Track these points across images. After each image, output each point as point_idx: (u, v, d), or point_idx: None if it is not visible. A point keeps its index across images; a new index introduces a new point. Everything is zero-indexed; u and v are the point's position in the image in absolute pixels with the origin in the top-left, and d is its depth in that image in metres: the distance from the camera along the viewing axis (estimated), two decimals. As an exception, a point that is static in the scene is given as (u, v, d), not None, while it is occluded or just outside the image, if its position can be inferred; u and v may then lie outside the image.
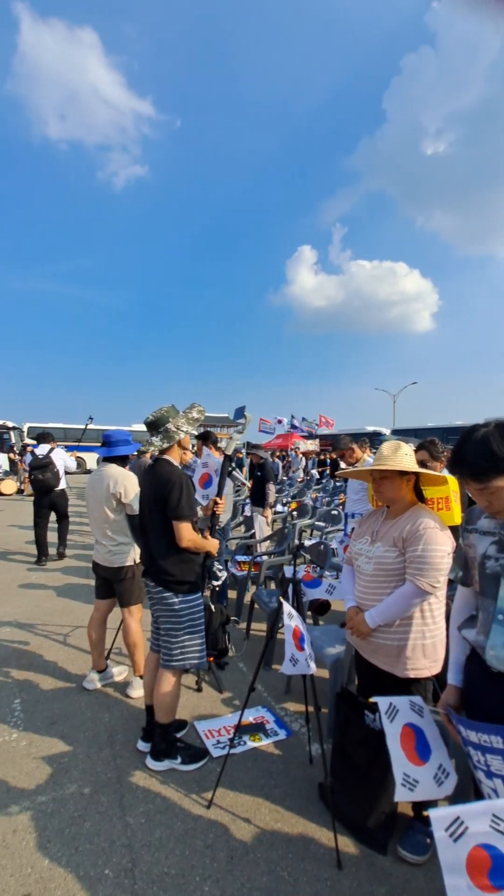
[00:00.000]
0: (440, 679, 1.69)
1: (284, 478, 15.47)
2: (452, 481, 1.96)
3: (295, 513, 7.76)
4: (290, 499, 9.96)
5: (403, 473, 1.85)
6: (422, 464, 3.71)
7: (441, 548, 1.71)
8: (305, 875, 1.72)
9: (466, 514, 1.50)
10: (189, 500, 2.18)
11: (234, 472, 7.85)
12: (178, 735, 2.45)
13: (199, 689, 2.98)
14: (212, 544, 2.34)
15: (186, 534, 2.16)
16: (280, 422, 26.32)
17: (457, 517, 1.99)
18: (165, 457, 2.31)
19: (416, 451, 4.31)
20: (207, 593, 2.71)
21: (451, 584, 2.07)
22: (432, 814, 1.09)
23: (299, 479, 14.26)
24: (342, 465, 4.78)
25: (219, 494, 2.70)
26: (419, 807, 1.86)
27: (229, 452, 3.35)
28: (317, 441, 23.80)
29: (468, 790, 1.57)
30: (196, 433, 2.42)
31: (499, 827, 1.09)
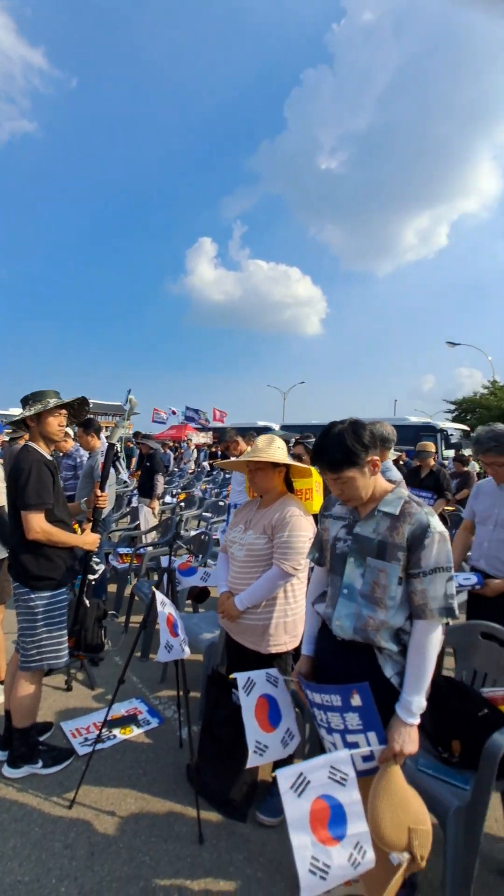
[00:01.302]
0: (299, 652, 1.85)
1: (175, 469, 15.33)
2: (316, 473, 2.15)
3: (183, 504, 7.75)
4: (179, 490, 9.91)
5: (275, 465, 1.97)
6: (298, 458, 3.98)
7: (304, 534, 1.87)
8: (167, 856, 1.76)
9: (325, 501, 1.65)
10: (38, 487, 2.00)
11: (117, 463, 7.54)
12: (42, 738, 2.30)
13: (69, 689, 2.84)
14: (84, 539, 2.23)
15: (34, 524, 1.99)
16: (174, 412, 25.90)
17: (317, 506, 2.18)
18: (30, 443, 2.14)
19: (294, 446, 4.61)
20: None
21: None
22: (279, 773, 1.19)
23: (190, 471, 14.24)
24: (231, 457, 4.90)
25: (101, 486, 2.56)
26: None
27: (114, 440, 3.21)
28: (210, 433, 23.96)
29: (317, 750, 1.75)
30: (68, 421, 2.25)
31: (335, 777, 1.24)
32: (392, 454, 3.12)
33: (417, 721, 1.28)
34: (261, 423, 22.85)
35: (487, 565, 2.38)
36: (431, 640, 1.30)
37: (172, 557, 2.27)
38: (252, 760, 1.56)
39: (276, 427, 21.49)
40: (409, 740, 1.26)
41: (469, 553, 2.58)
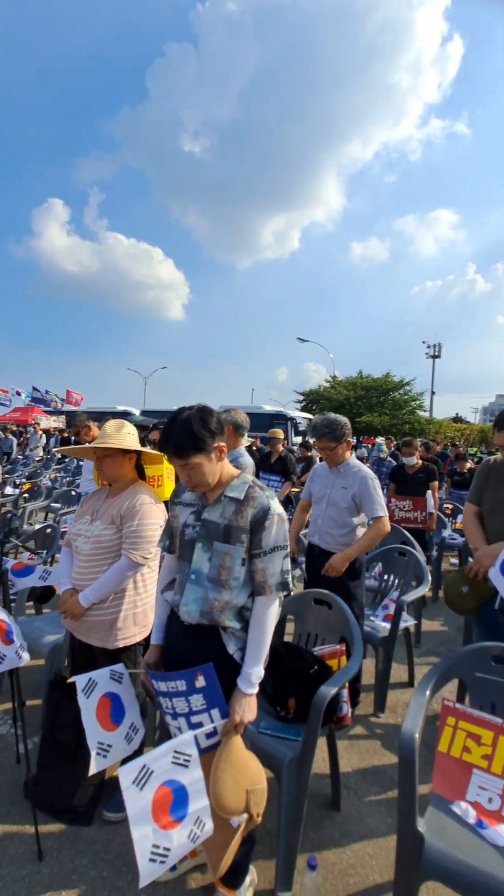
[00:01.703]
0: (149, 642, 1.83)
1: (20, 456, 13.66)
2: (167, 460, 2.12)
3: (27, 495, 6.95)
4: (23, 479, 8.86)
5: (126, 452, 1.89)
6: (155, 444, 3.90)
7: (154, 521, 1.83)
8: (1, 881, 1.59)
9: (175, 488, 1.64)
10: None
11: None
12: None
13: None
14: None
15: None
16: (18, 394, 22.95)
17: (168, 493, 2.17)
18: None
19: (151, 432, 4.49)
20: None
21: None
22: (120, 771, 1.16)
23: (37, 458, 12.84)
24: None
25: None
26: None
27: None
28: (62, 417, 21.91)
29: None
30: None
31: (179, 760, 1.26)
32: (246, 440, 3.27)
33: (256, 690, 1.38)
34: (120, 408, 21.75)
35: (320, 540, 2.67)
36: (270, 613, 1.40)
37: (5, 557, 2.01)
38: (96, 764, 1.49)
39: (137, 412, 20.72)
40: (248, 710, 1.35)
41: (305, 530, 2.86)
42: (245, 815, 1.29)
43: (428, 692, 1.62)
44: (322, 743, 1.88)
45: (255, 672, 1.37)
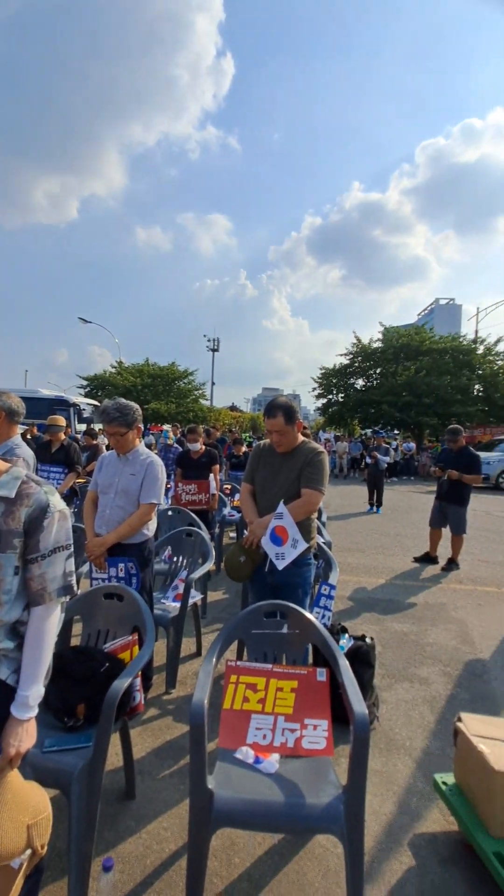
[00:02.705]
0: None
1: None
2: None
3: None
4: None
5: None
6: None
7: None
8: None
9: None
10: None
11: None
12: None
13: None
14: None
15: None
16: None
17: None
18: None
19: None
20: None
21: None
22: None
23: None
24: None
25: None
26: None
27: None
28: None
29: None
30: None
31: None
32: (20, 428, 2.84)
33: (35, 712, 1.23)
34: None
35: (109, 532, 2.57)
36: (49, 624, 1.26)
37: None
38: None
39: None
40: (26, 737, 1.19)
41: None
42: (28, 852, 1.15)
43: (214, 658, 1.77)
44: (115, 737, 1.84)
45: (32, 693, 1.22)
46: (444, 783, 1.88)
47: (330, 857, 1.71)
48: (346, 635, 2.71)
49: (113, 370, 28.59)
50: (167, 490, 5.92)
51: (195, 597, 3.22)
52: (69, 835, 1.53)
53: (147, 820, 1.86)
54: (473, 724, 1.87)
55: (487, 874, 1.59)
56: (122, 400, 2.63)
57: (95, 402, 19.05)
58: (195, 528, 3.62)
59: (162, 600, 3.16)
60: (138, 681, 1.92)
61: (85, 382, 27.86)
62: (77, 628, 2.62)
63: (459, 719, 1.92)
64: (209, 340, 40.91)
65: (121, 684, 1.67)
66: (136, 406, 2.64)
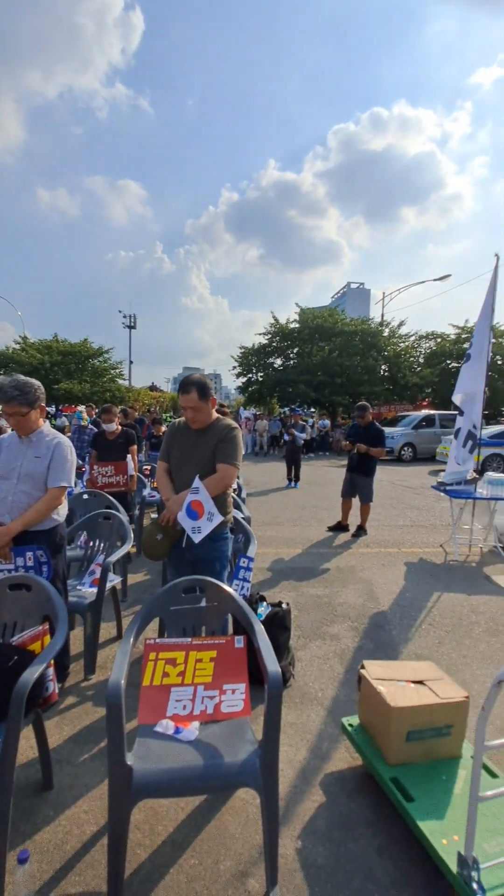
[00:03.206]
0: None
1: None
2: None
3: None
4: None
5: None
6: None
7: None
8: None
9: None
10: None
11: None
12: None
13: None
14: None
15: None
16: None
17: None
18: None
19: None
20: None
21: None
22: None
23: None
24: None
25: None
26: None
27: None
28: None
29: None
30: None
31: None
32: None
33: None
34: None
35: (13, 520, 2.39)
36: None
37: None
38: None
39: None
40: None
41: None
42: None
43: (132, 639, 1.76)
44: (28, 730, 1.76)
45: None
46: (350, 725, 2.08)
47: (249, 808, 1.83)
48: (265, 603, 2.83)
49: (17, 346, 26.10)
50: (81, 473, 5.64)
51: (113, 580, 3.14)
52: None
53: (65, 806, 1.83)
54: (374, 670, 2.08)
55: (387, 798, 1.81)
56: (21, 377, 2.42)
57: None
58: (112, 511, 3.50)
59: (78, 587, 3.04)
60: (51, 671, 1.85)
61: (-18, 360, 25.12)
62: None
63: (363, 667, 2.12)
64: (125, 317, 38.94)
65: (29, 676, 1.60)
66: (37, 383, 2.45)
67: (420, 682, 1.99)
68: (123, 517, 3.49)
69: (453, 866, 1.42)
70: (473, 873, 1.37)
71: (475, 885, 1.36)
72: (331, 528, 6.30)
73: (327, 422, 20.36)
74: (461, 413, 5.31)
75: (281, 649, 2.69)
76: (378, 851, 1.66)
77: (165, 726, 1.68)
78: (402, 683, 1.97)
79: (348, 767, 2.07)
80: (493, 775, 1.78)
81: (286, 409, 22.62)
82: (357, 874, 1.58)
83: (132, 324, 38.67)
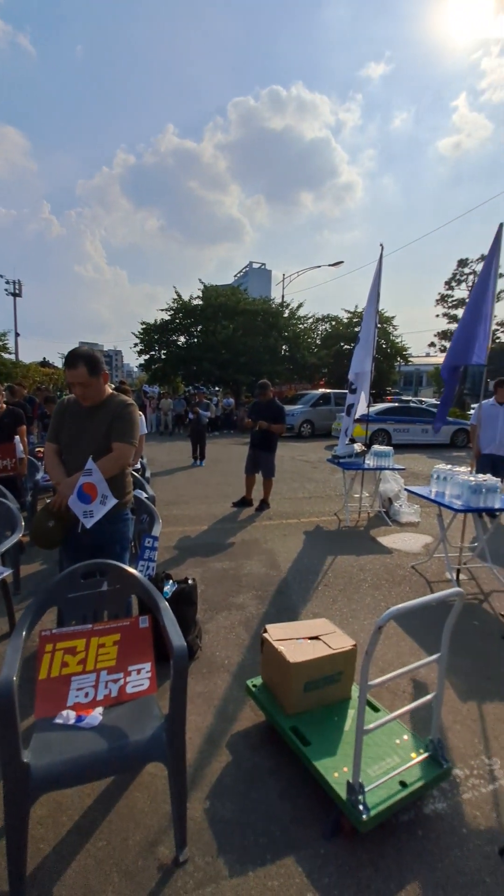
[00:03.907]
0: None
1: None
2: None
3: None
4: None
5: None
6: None
7: None
8: None
9: None
10: None
11: None
12: None
13: None
14: None
15: None
16: None
17: None
18: None
19: None
20: None
21: None
22: None
23: None
24: None
25: None
26: None
27: None
28: None
29: None
30: None
31: None
32: None
33: None
34: None
35: None
36: None
37: None
38: None
39: None
40: None
41: None
42: None
43: (24, 633, 1.63)
44: None
45: None
46: (254, 685, 2.20)
47: (158, 781, 1.85)
48: (171, 581, 2.82)
49: None
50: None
51: (3, 572, 2.88)
52: None
53: (-46, 819, 1.68)
54: (275, 632, 2.21)
55: (287, 747, 1.96)
56: None
57: None
58: (-2, 498, 3.18)
59: (-42, 584, 2.73)
60: None
61: None
62: None
63: (265, 631, 2.24)
64: (8, 282, 34.63)
65: None
66: None
67: (315, 638, 2.16)
68: (12, 504, 3.20)
69: (344, 795, 1.60)
70: (360, 797, 1.56)
71: (361, 808, 1.55)
72: (235, 504, 6.45)
73: (231, 400, 20.55)
74: (353, 391, 5.73)
75: (188, 624, 2.72)
76: (280, 795, 1.81)
77: (66, 717, 1.61)
78: (300, 641, 2.13)
79: (252, 725, 2.20)
80: (376, 709, 2.02)
81: (190, 387, 22.33)
82: (260, 819, 1.71)
83: (17, 291, 34.61)
